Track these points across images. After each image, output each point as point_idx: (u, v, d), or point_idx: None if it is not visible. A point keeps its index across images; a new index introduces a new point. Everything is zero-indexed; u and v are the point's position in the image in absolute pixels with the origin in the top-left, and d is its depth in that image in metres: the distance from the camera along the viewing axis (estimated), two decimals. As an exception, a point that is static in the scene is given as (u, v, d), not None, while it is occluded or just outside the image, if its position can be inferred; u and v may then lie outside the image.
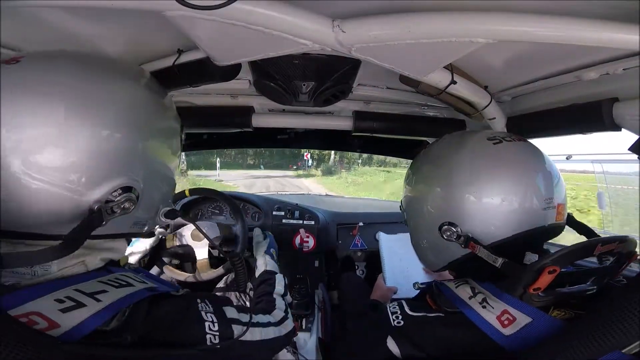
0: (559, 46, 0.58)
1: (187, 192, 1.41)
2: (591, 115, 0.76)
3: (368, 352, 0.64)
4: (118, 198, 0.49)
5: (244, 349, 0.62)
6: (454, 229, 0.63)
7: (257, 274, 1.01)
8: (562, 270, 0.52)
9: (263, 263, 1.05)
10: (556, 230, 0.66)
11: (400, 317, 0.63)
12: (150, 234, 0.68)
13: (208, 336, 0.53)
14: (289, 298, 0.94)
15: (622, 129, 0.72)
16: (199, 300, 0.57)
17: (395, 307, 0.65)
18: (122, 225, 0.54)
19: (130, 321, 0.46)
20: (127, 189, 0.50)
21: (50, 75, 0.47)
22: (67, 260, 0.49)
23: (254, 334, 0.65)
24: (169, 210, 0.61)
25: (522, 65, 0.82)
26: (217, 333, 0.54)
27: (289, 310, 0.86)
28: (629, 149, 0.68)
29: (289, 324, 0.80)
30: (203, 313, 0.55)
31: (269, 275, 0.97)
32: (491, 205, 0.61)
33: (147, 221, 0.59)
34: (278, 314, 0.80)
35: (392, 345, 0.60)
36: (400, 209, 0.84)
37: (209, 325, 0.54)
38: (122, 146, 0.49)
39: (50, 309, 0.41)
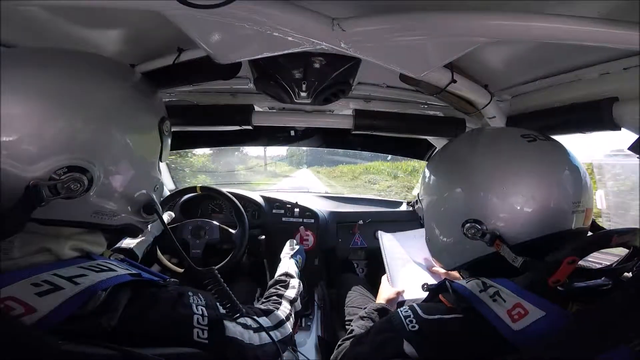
0: (559, 45, 0.58)
1: (198, 189, 1.44)
2: (591, 115, 0.76)
3: (383, 356, 0.60)
4: (62, 177, 0.46)
5: (237, 348, 0.57)
6: (479, 227, 0.62)
7: (277, 274, 1.01)
8: (579, 265, 0.51)
9: (285, 265, 1.08)
10: (582, 234, 0.64)
11: (414, 321, 0.59)
12: (133, 232, 0.61)
13: (195, 330, 0.50)
14: (298, 305, 0.90)
15: (622, 129, 0.73)
16: (190, 293, 0.55)
17: (407, 312, 0.61)
18: (78, 212, 0.51)
19: (110, 303, 0.44)
20: (74, 169, 0.47)
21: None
22: (28, 246, 0.47)
23: (244, 336, 0.61)
24: (146, 205, 0.58)
25: (522, 64, 0.82)
26: (206, 328, 0.51)
27: (291, 316, 0.81)
28: (629, 149, 0.68)
29: (284, 330, 0.74)
30: (194, 306, 0.53)
31: (285, 278, 0.96)
32: (519, 204, 0.60)
33: (113, 213, 0.55)
34: (276, 317, 0.75)
35: (408, 348, 0.57)
36: (413, 206, 0.79)
37: (197, 318, 0.51)
38: (71, 124, 0.47)
39: (26, 293, 0.39)
